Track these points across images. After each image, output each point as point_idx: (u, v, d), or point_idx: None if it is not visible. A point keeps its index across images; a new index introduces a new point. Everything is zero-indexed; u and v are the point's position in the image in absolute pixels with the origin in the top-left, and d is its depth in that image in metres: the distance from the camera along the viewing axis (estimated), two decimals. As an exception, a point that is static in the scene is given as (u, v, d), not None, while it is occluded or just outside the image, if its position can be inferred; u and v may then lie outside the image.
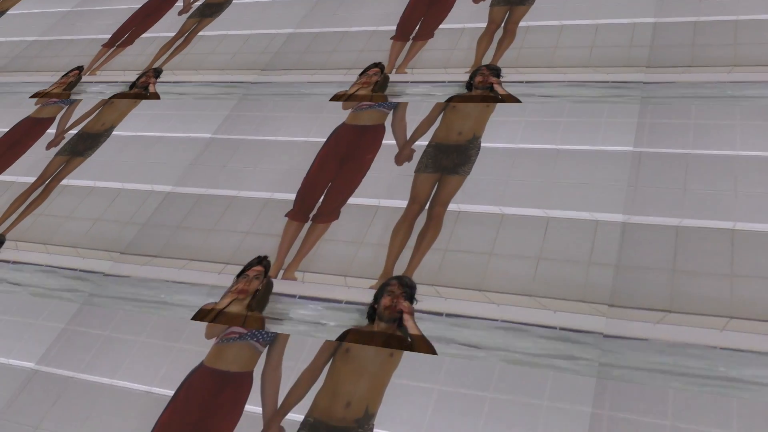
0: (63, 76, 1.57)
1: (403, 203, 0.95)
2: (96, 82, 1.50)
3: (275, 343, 0.82)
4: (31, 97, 1.51)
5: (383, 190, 0.99)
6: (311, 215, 0.98)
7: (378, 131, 1.10)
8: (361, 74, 1.25)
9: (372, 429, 0.71)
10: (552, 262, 0.82)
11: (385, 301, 0.83)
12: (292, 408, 0.76)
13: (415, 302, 0.82)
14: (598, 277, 0.79)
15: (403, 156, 1.03)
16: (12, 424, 0.81)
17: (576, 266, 0.81)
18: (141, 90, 1.42)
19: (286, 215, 0.99)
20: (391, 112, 1.13)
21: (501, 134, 1.02)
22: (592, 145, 0.96)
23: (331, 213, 0.96)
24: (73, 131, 1.33)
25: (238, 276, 0.92)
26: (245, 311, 0.88)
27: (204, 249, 0.98)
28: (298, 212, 0.99)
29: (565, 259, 0.82)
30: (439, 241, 0.89)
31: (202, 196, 1.07)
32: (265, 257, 0.94)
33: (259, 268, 0.92)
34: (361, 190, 1.00)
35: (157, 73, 1.47)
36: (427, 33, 1.32)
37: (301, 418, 0.73)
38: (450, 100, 1.12)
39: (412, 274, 0.85)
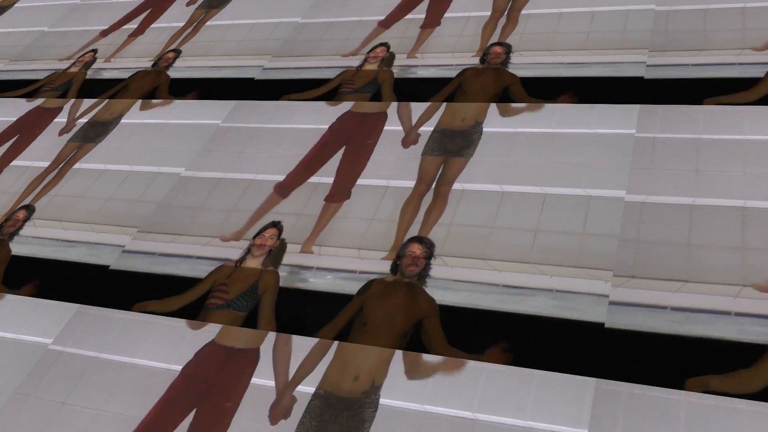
0: (79, 57, 1.68)
1: (411, 183, 1.05)
2: (112, 68, 1.61)
3: (264, 297, 0.93)
4: (43, 80, 1.61)
5: (392, 171, 1.09)
6: (325, 196, 1.08)
7: (380, 118, 1.20)
8: (369, 51, 1.36)
9: (378, 399, 0.80)
10: (548, 233, 0.92)
11: (407, 259, 0.94)
12: (307, 372, 0.86)
13: (433, 259, 0.93)
14: (592, 246, 0.89)
15: (409, 140, 1.13)
16: (39, 401, 0.90)
17: (571, 237, 0.91)
18: (163, 69, 1.53)
19: (273, 186, 1.11)
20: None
21: (502, 119, 1.12)
22: (588, 128, 1.06)
23: (342, 193, 1.06)
24: (84, 120, 1.43)
25: (254, 237, 1.04)
26: (261, 266, 0.99)
27: (224, 227, 1.09)
28: (284, 187, 1.10)
29: (561, 230, 0.92)
30: (444, 216, 0.99)
31: (219, 179, 1.18)
32: (279, 222, 1.05)
33: (273, 230, 1.04)
34: (371, 171, 1.10)
35: (178, 53, 1.58)
36: (434, 21, 1.42)
37: (312, 390, 0.83)
38: (463, 72, 1.24)
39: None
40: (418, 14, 1.46)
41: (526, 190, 0.99)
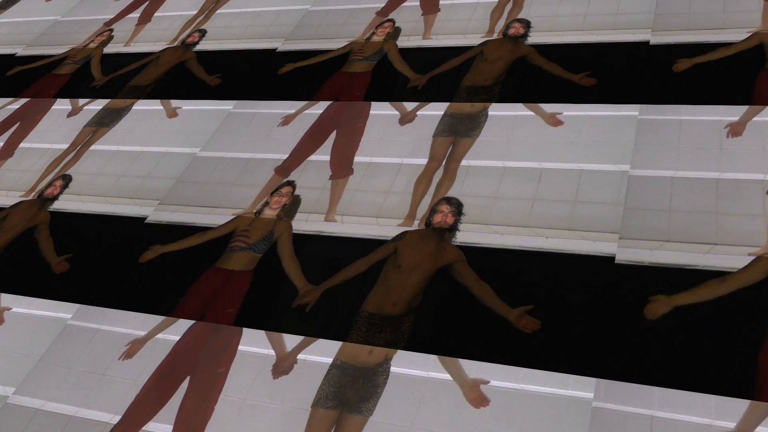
0: (97, 36, 1.91)
1: (422, 161, 1.23)
2: (132, 49, 1.81)
3: (280, 240, 1.16)
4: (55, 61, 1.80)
5: (406, 150, 1.26)
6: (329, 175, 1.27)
7: (365, 106, 1.39)
8: (377, 27, 1.58)
9: (389, 368, 0.94)
10: (544, 202, 1.10)
11: (437, 217, 1.12)
12: (335, 284, 1.05)
13: (462, 216, 1.11)
14: (582, 212, 1.07)
15: (406, 120, 1.32)
16: (83, 373, 1.05)
17: (563, 204, 1.09)
18: (189, 45, 1.76)
19: (274, 169, 1.30)
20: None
21: (506, 104, 1.29)
22: (582, 111, 1.24)
23: (342, 170, 1.26)
24: (97, 107, 1.62)
25: (272, 194, 1.25)
26: (276, 217, 1.20)
27: (239, 201, 1.27)
28: (283, 169, 1.30)
29: (555, 199, 1.10)
30: (453, 189, 1.16)
31: (233, 158, 1.36)
32: (293, 181, 1.26)
33: (289, 188, 1.25)
34: (387, 151, 1.28)
35: (203, 33, 1.80)
36: (433, 7, 1.61)
37: (323, 359, 0.98)
38: (485, 42, 1.45)
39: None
40: (413, 1, 1.66)
41: (525, 165, 1.17)
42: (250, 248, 1.17)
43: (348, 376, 0.94)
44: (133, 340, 1.08)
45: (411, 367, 0.94)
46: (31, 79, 1.83)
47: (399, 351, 0.96)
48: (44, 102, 1.71)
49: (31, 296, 1.19)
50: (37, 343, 1.12)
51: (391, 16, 1.63)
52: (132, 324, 1.10)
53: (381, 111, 1.38)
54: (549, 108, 1.26)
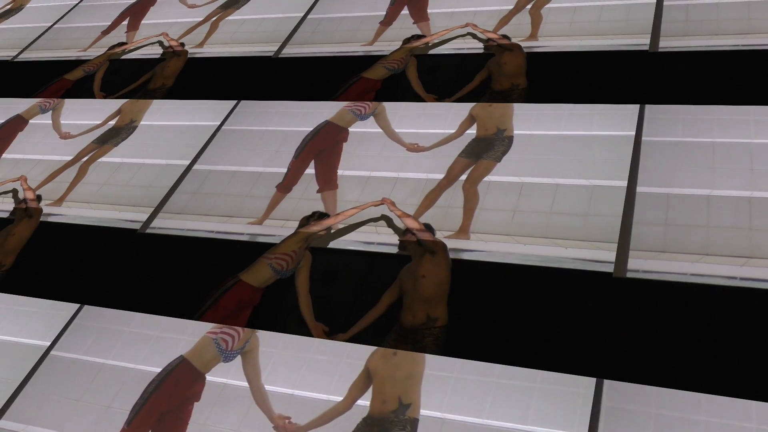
0: (110, 48, 2.05)
1: (418, 175, 1.39)
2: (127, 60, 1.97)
3: (301, 271, 1.23)
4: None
5: (403, 165, 1.42)
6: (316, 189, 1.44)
7: (345, 131, 1.54)
8: (412, 40, 1.73)
9: (406, 417, 1.01)
10: (523, 213, 1.26)
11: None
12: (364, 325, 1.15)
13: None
14: (557, 222, 1.23)
15: (409, 147, 1.47)
16: (86, 405, 1.15)
17: (540, 215, 1.25)
18: (178, 50, 1.93)
19: (275, 186, 1.46)
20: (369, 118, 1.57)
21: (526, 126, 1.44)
22: (556, 131, 1.40)
23: (328, 183, 1.42)
24: (101, 129, 1.78)
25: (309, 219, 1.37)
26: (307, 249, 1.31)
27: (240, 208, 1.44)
28: (284, 186, 1.46)
29: (533, 210, 1.26)
30: (442, 200, 1.32)
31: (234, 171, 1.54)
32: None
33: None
34: (383, 164, 1.44)
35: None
36: (422, 16, 1.78)
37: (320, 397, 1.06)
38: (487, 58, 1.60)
39: (467, 234, 1.26)
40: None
41: (507, 179, 1.33)
42: (281, 273, 1.27)
43: (366, 426, 1.03)
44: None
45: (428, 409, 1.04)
46: (42, 79, 1.99)
47: (413, 401, 1.05)
48: (19, 121, 1.86)
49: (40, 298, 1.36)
50: (15, 369, 1.25)
51: (396, 25, 1.78)
52: (116, 355, 1.22)
53: (377, 127, 1.53)
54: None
